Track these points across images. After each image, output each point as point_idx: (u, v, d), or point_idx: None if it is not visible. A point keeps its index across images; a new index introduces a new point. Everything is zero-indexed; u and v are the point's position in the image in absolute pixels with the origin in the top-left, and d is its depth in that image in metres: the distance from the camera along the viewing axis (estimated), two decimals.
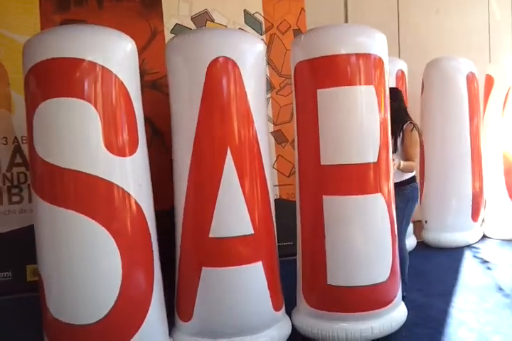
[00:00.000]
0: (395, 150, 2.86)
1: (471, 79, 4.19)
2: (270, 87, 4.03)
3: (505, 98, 4.37)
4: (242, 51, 2.40)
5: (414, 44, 5.00)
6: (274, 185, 3.99)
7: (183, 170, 2.39)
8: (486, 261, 3.77)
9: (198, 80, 2.31)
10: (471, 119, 4.21)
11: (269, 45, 4.03)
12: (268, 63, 4.02)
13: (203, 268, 2.35)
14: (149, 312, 2.20)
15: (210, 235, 2.32)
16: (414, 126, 2.99)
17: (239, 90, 2.35)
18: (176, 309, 2.50)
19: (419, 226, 4.40)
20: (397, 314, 2.64)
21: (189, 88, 2.36)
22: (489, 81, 4.56)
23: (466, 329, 2.69)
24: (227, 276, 2.35)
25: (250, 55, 2.43)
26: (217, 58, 2.31)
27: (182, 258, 2.46)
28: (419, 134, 3.05)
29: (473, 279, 3.46)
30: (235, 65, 2.33)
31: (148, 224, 2.23)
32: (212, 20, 3.89)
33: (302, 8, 4.13)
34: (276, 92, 4.06)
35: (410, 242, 4.18)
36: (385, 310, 2.56)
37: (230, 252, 2.34)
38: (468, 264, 3.83)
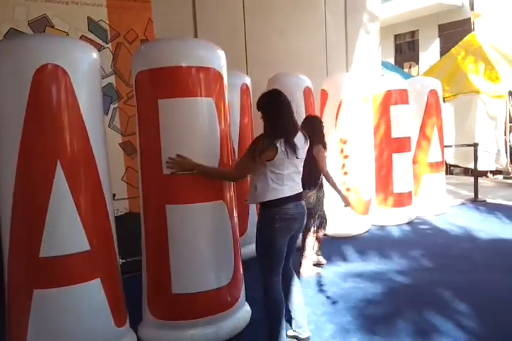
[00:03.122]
0: None
1: (307, 93, 4.59)
2: (117, 96, 3.93)
3: (337, 111, 4.90)
4: (73, 59, 2.30)
5: (261, 60, 5.34)
6: (123, 198, 3.90)
7: (7, 186, 2.20)
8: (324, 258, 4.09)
9: (22, 88, 2.16)
10: None
11: (115, 54, 3.93)
12: (114, 72, 3.92)
13: (35, 291, 2.18)
14: None
15: (41, 255, 2.17)
16: None
17: (70, 100, 2.24)
18: (8, 338, 2.29)
19: None
20: (241, 314, 2.77)
21: (13, 97, 2.19)
22: (324, 95, 5.08)
23: None
24: (62, 297, 2.21)
25: (83, 63, 2.34)
26: (45, 65, 2.18)
27: (10, 282, 2.26)
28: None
29: (312, 275, 3.78)
30: (65, 73, 2.22)
31: None
32: (52, 26, 3.66)
33: (150, 19, 4.13)
34: (124, 102, 3.97)
35: None
36: (229, 312, 2.67)
37: (63, 271, 2.21)
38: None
